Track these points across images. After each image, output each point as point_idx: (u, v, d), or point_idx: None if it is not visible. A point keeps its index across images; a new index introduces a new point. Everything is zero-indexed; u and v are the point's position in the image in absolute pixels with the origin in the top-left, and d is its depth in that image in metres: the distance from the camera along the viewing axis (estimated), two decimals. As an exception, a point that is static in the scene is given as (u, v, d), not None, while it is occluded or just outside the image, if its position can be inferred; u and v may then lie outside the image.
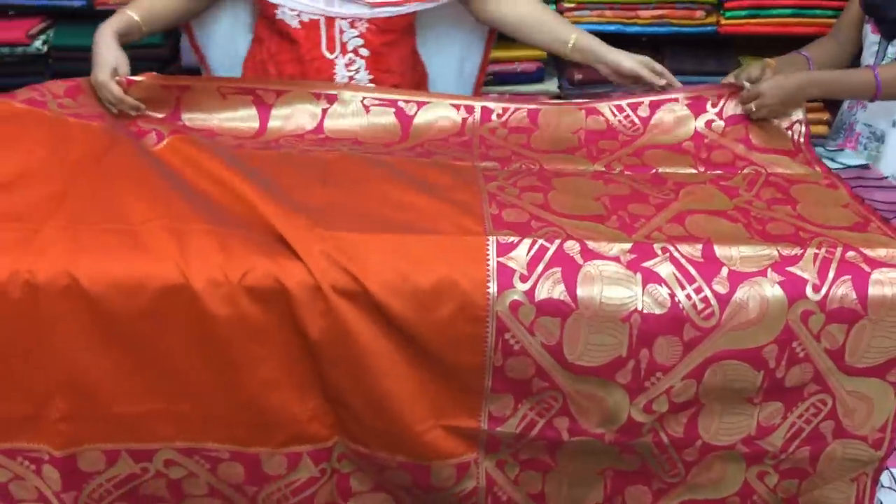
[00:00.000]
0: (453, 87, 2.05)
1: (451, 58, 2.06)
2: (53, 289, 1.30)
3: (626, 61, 1.84)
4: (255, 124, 1.75)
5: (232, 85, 1.79)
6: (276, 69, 1.87)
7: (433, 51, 2.03)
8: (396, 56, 1.89)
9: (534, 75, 2.56)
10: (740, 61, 2.56)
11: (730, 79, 1.83)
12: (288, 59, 1.86)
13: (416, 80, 1.97)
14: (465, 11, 1.97)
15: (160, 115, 1.73)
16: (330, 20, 1.82)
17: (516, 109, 1.79)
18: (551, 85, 2.57)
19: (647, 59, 1.85)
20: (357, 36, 1.83)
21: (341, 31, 1.83)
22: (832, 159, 1.91)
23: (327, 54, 1.84)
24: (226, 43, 2.01)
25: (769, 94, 1.73)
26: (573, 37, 1.88)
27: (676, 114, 1.78)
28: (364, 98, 1.77)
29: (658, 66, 1.84)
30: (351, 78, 1.85)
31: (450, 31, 2.02)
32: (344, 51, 1.84)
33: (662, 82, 1.82)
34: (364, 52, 1.85)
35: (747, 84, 1.77)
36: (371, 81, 1.87)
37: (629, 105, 1.80)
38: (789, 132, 1.77)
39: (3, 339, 1.33)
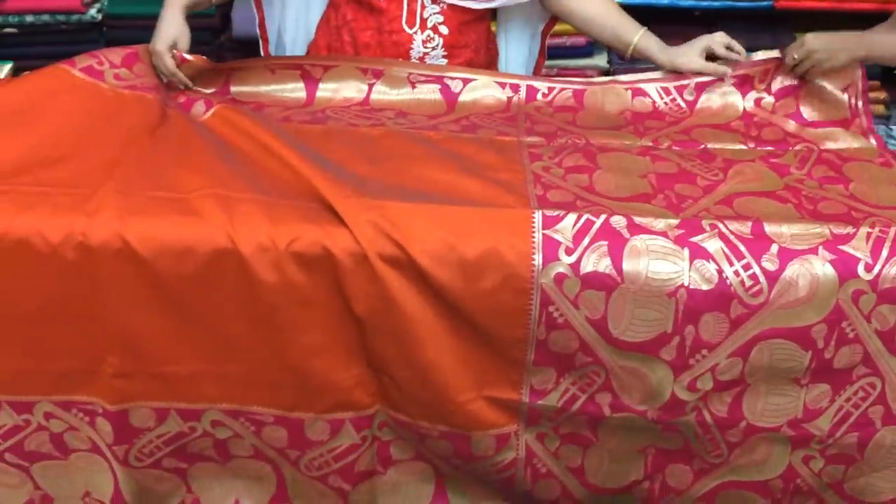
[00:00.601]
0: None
1: (521, 48, 2.05)
2: (106, 251, 1.33)
3: (691, 64, 1.78)
4: (303, 95, 1.76)
5: (280, 62, 1.80)
6: (351, 36, 1.86)
7: (506, 39, 2.04)
8: (474, 34, 1.88)
9: (583, 50, 2.54)
10: (796, 38, 2.50)
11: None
12: (365, 28, 1.85)
13: (490, 57, 1.96)
14: (540, 8, 1.97)
15: (209, 91, 1.74)
16: None
17: (562, 89, 1.78)
18: (600, 60, 2.55)
19: (714, 40, 1.78)
20: (438, 13, 1.83)
21: (423, 7, 1.82)
22: (891, 136, 1.87)
23: (406, 29, 1.83)
24: (297, 12, 2.01)
25: (815, 43, 1.68)
26: (634, 41, 1.85)
27: (724, 94, 1.75)
28: (410, 74, 1.77)
29: (720, 50, 1.77)
30: (426, 54, 1.85)
31: (524, 25, 2.03)
32: (423, 27, 1.83)
33: (729, 72, 1.77)
34: (443, 29, 1.84)
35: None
36: (444, 57, 1.86)
37: (675, 88, 1.77)
38: (845, 95, 1.72)
39: (59, 297, 1.36)
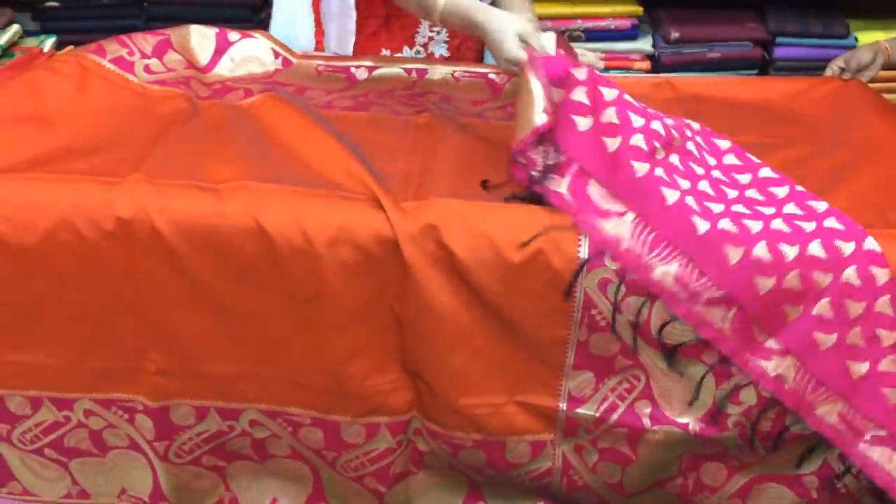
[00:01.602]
0: None
1: None
2: (140, 242, 1.32)
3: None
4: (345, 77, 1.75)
5: (327, 65, 1.76)
6: (360, 15, 1.86)
7: None
8: None
9: (627, 33, 2.48)
10: (849, 25, 2.44)
11: (839, 63, 1.73)
12: (373, 8, 1.85)
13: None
14: None
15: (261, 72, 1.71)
16: None
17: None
18: (645, 44, 2.49)
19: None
20: None
21: None
22: None
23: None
24: None
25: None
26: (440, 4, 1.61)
27: None
28: (454, 72, 1.74)
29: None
30: (431, 38, 1.84)
31: None
32: None
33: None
34: None
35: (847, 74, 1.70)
36: (445, 43, 1.86)
37: None
38: None
39: (102, 294, 1.36)
